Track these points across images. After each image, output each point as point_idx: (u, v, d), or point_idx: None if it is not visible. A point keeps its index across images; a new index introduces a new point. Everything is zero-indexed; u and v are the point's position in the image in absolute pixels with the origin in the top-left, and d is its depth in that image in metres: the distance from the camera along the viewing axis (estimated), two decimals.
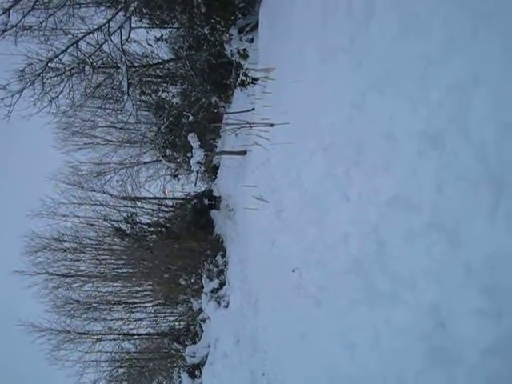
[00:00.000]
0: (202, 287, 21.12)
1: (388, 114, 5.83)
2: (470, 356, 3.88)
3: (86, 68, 17.31)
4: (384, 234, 5.59)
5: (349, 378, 6.06)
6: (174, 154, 21.78)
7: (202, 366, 19.93)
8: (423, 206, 4.80)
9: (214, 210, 22.29)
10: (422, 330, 4.51)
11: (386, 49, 6.14)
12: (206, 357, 19.65)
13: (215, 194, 22.87)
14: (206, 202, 22.58)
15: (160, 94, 23.84)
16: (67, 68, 17.44)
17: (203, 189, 24.82)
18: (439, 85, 4.76)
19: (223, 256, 20.60)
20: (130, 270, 24.79)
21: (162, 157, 22.12)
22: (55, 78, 17.59)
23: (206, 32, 18.01)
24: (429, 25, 5.11)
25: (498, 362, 3.60)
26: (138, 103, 21.37)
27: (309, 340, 8.02)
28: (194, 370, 20.80)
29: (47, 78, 17.25)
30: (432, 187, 4.67)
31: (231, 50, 18.07)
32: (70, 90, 18.16)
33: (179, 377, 23.50)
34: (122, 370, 28.21)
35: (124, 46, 17.68)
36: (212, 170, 23.28)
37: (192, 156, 18.38)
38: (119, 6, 16.83)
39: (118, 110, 23.30)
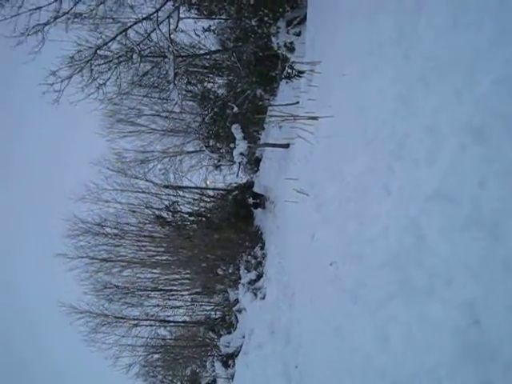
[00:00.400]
0: (240, 278, 21.21)
1: (433, 106, 5.76)
2: (504, 353, 3.81)
3: (134, 56, 17.55)
4: (423, 228, 5.52)
5: (381, 373, 6.00)
6: (218, 144, 21.91)
7: (236, 356, 20.03)
8: (464, 201, 4.73)
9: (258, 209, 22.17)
10: (456, 325, 4.44)
11: (435, 41, 6.07)
12: (240, 347, 19.74)
13: (259, 191, 22.40)
14: (251, 200, 22.20)
15: (206, 84, 24.01)
16: (115, 56, 17.74)
17: (245, 180, 24.85)
18: (486, 78, 4.68)
19: (262, 248, 20.64)
20: (169, 258, 25.00)
21: (206, 147, 22.27)
22: (103, 66, 17.92)
23: (254, 24, 18.05)
24: (479, 18, 5.04)
25: None
26: (184, 93, 21.57)
27: (343, 334, 7.97)
28: (228, 360, 20.94)
29: (95, 65, 17.58)
30: (474, 182, 4.59)
31: (278, 43, 18.05)
32: (118, 78, 18.48)
33: (213, 365, 23.70)
34: (156, 356, 28.60)
35: (172, 36, 17.88)
36: (254, 162, 23.29)
37: (235, 147, 18.47)
38: None
39: (163, 99, 23.54)
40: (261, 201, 21.80)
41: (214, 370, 23.27)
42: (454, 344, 4.41)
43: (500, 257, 4.07)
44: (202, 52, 22.85)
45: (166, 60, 18.59)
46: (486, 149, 4.52)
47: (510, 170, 4.13)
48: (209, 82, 24.61)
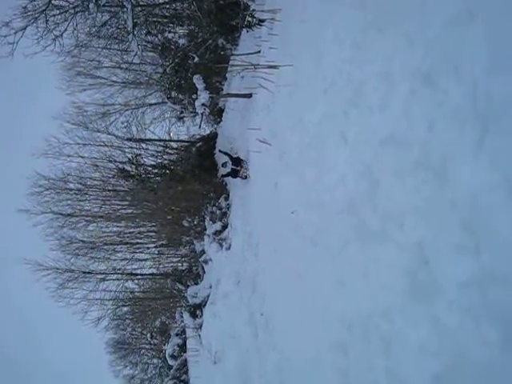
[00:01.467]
0: (205, 229, 21.27)
1: (386, 53, 5.80)
2: (448, 290, 3.97)
3: (91, 6, 17.03)
4: (377, 173, 5.64)
5: (340, 317, 6.18)
6: (180, 95, 21.56)
7: (204, 306, 20.24)
8: (414, 145, 4.84)
9: (238, 178, 18.38)
10: (407, 266, 4.59)
11: None
12: (208, 297, 19.95)
13: (232, 153, 18.84)
14: (228, 167, 17.93)
15: (166, 34, 23.44)
16: (71, 5, 17.22)
17: (208, 131, 24.67)
18: (436, 21, 4.71)
19: (226, 198, 20.64)
20: (134, 211, 24.88)
21: (168, 98, 21.91)
22: (59, 16, 17.36)
23: None
24: None
25: (473, 294, 3.68)
26: (144, 44, 21.06)
27: (304, 280, 8.15)
28: (196, 310, 21.14)
29: (51, 16, 17.02)
30: (423, 126, 4.69)
31: None
32: (75, 29, 17.96)
33: (181, 316, 23.96)
34: (125, 309, 28.89)
35: None
36: (217, 113, 23.05)
37: (197, 98, 18.25)
38: None
39: (123, 50, 23.00)
40: (241, 168, 17.23)
41: (182, 321, 23.54)
42: (404, 284, 4.57)
43: (447, 199, 4.19)
44: (161, 1, 22.32)
45: (125, 10, 18.09)
46: (435, 92, 4.59)
47: (456, 114, 4.21)
48: (169, 32, 24.01)
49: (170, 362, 24.50)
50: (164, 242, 26.16)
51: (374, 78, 6.11)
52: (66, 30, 17.66)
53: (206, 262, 21.57)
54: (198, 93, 18.08)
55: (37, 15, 16.48)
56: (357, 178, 6.21)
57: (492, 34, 3.90)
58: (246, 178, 17.04)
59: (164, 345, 28.02)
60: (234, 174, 17.53)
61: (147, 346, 32.06)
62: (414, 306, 4.38)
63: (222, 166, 18.30)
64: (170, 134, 25.11)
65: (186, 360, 22.18)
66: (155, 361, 32.11)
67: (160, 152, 25.07)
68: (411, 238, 4.61)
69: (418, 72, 4.93)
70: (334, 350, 6.19)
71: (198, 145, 24.10)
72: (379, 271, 5.14)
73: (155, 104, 25.05)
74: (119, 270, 26.46)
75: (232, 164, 17.44)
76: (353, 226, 6.02)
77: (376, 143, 5.71)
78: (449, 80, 4.38)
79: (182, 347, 23.17)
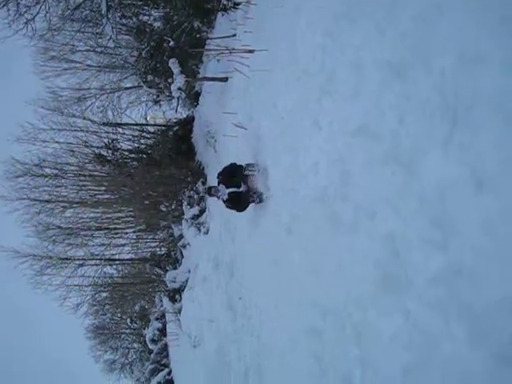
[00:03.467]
0: (183, 214, 21.29)
1: (358, 43, 5.82)
2: (418, 284, 4.04)
3: None
4: (348, 163, 5.68)
5: (314, 303, 6.25)
6: (156, 79, 21.39)
7: (182, 290, 20.36)
8: (385, 136, 4.87)
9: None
10: (378, 257, 4.65)
11: None
12: (186, 282, 20.05)
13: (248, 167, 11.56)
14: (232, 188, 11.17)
15: (141, 17, 23.17)
16: None
17: (185, 115, 24.55)
18: (406, 14, 4.74)
19: (204, 183, 20.65)
20: (111, 197, 24.80)
21: (143, 82, 21.73)
22: None
23: None
24: None
25: (441, 289, 3.75)
26: (118, 27, 20.78)
27: (280, 266, 8.21)
28: (175, 295, 21.28)
29: None
30: (394, 118, 4.72)
31: None
32: (47, 12, 17.72)
33: (160, 301, 24.08)
34: (104, 295, 28.92)
35: None
36: (194, 97, 22.92)
37: (173, 82, 18.14)
38: None
39: (97, 33, 22.65)
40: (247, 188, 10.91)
41: (162, 305, 23.65)
42: (376, 275, 4.63)
43: (416, 191, 4.24)
44: None
45: None
46: (405, 85, 4.62)
47: (426, 107, 4.25)
48: (144, 14, 23.72)
49: (151, 346, 24.63)
50: (142, 227, 26.15)
51: (345, 66, 6.13)
52: (38, 13, 17.47)
53: (184, 246, 21.63)
54: (174, 76, 17.95)
55: None
56: (329, 166, 6.25)
57: (460, 28, 3.93)
58: (260, 201, 10.36)
59: (144, 329, 28.13)
60: (236, 201, 10.80)
61: (127, 331, 32.19)
62: (386, 297, 4.44)
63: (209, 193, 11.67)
64: (146, 119, 24.90)
65: (166, 344, 22.33)
66: (136, 345, 32.28)
67: (137, 136, 24.96)
68: (383, 230, 4.67)
69: (388, 63, 4.96)
70: (308, 335, 6.27)
71: (175, 129, 24.03)
72: (352, 261, 5.20)
73: (131, 88, 24.78)
74: (97, 255, 26.47)
75: (229, 184, 10.70)
76: (326, 214, 6.07)
77: (348, 132, 5.75)
78: (418, 73, 4.41)
79: (162, 331, 23.31)
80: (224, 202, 10.93)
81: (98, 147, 23.86)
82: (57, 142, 23.81)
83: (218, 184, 10.97)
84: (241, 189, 10.72)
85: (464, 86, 3.80)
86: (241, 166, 11.02)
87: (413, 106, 4.45)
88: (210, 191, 11.45)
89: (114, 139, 24.01)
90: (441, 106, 4.03)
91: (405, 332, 4.11)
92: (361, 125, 5.46)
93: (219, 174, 11.16)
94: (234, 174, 10.85)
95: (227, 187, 10.72)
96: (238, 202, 10.86)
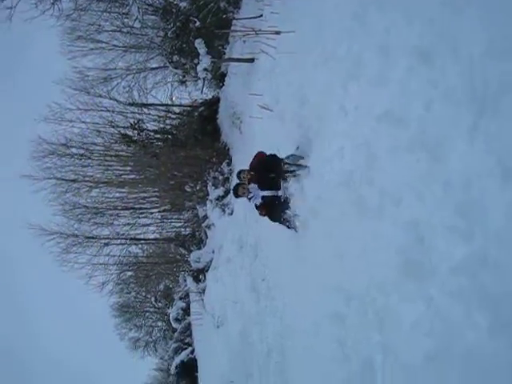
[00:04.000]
0: (208, 194, 21.36)
1: (385, 27, 5.77)
2: (441, 272, 4.03)
3: None
4: (374, 148, 5.66)
5: (338, 288, 6.27)
6: (181, 60, 21.36)
7: (206, 270, 20.47)
8: (411, 122, 4.84)
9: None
10: (401, 243, 4.65)
11: None
12: (210, 262, 20.16)
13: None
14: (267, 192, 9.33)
15: None
16: None
17: (211, 96, 24.49)
18: (434, 0, 4.68)
19: (229, 164, 20.66)
20: (137, 177, 24.97)
21: (169, 63, 21.71)
22: None
23: None
24: None
25: (464, 278, 3.74)
26: (145, 7, 20.76)
27: (305, 250, 8.23)
28: (199, 275, 21.43)
29: None
30: (420, 104, 4.69)
31: None
32: None
33: (184, 281, 24.27)
34: (129, 273, 29.18)
35: None
36: (219, 77, 22.86)
37: (199, 63, 18.10)
38: None
39: (123, 13, 22.64)
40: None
41: (185, 285, 23.82)
42: (399, 261, 4.63)
43: (441, 179, 4.22)
44: None
45: None
46: (432, 71, 4.58)
47: (453, 95, 4.21)
48: None
49: (174, 325, 24.88)
50: (167, 208, 26.29)
51: (372, 51, 6.08)
52: None
53: (208, 227, 21.71)
54: (200, 57, 17.92)
55: None
56: (355, 151, 6.23)
57: (490, 18, 3.87)
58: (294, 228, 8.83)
59: (168, 308, 28.43)
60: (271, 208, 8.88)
61: (151, 310, 32.56)
62: (409, 283, 4.45)
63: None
64: (172, 99, 24.88)
65: (189, 323, 22.50)
66: (159, 324, 32.68)
67: (162, 117, 24.98)
68: (407, 216, 4.66)
69: (415, 49, 4.92)
70: (332, 320, 6.30)
71: (201, 110, 23.98)
72: (376, 246, 5.20)
73: (157, 68, 24.73)
74: (123, 234, 26.66)
75: (264, 184, 8.69)
76: (351, 199, 6.06)
77: (374, 118, 5.72)
78: (446, 60, 4.37)
79: (186, 311, 23.49)
80: (256, 207, 9.02)
81: (123, 127, 23.96)
82: (83, 122, 23.98)
83: (240, 178, 9.28)
84: (279, 193, 8.78)
85: (493, 75, 3.77)
86: (280, 159, 8.97)
87: (440, 92, 4.41)
88: (237, 192, 9.25)
89: (139, 119, 24.08)
90: (468, 93, 4.00)
91: (426, 319, 4.12)
92: (387, 110, 5.43)
93: (252, 168, 9.01)
94: (271, 169, 8.77)
95: (261, 187, 8.69)
96: (273, 210, 8.91)
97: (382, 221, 5.14)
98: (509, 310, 3.31)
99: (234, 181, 15.39)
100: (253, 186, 8.70)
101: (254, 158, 9.20)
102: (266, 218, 9.23)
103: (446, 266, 3.98)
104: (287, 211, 8.75)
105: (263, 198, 8.67)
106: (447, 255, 3.97)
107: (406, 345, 4.34)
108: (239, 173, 9.40)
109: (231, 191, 10.24)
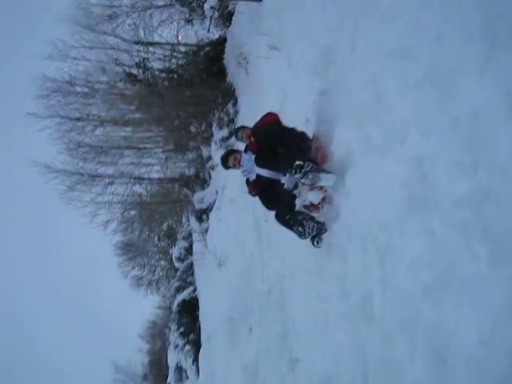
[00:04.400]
0: (212, 135, 21.29)
1: None
2: (443, 204, 4.03)
3: None
4: (382, 84, 5.58)
5: (341, 225, 6.28)
6: None
7: (210, 211, 20.57)
8: (421, 57, 4.76)
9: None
10: (405, 180, 4.64)
11: None
12: (214, 203, 20.24)
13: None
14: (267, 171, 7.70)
15: None
16: None
17: (217, 36, 24.13)
18: None
19: (234, 105, 20.50)
20: (141, 116, 24.91)
21: (176, 1, 21.33)
22: None
23: None
24: None
25: (467, 211, 3.74)
26: None
27: None
28: (202, 215, 21.53)
29: None
30: (432, 38, 4.60)
31: None
32: None
33: (188, 220, 24.41)
34: (133, 213, 29.35)
35: None
36: (226, 16, 22.45)
37: (206, 0, 17.79)
38: None
39: None
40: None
41: (189, 225, 23.99)
42: (403, 197, 4.63)
43: (449, 114, 4.18)
44: None
45: None
46: (445, 3, 4.49)
47: (464, 26, 4.12)
48: None
49: (177, 264, 25.16)
50: (171, 148, 26.27)
51: None
52: None
53: (212, 167, 21.73)
54: None
55: None
56: (361, 89, 6.15)
57: None
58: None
59: (171, 248, 28.69)
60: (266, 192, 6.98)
61: (154, 249, 32.88)
62: (411, 218, 4.45)
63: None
64: (178, 38, 24.54)
65: (191, 263, 22.73)
66: (162, 263, 33.05)
67: (168, 56, 24.68)
68: (412, 152, 4.63)
69: None
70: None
71: (207, 49, 23.69)
72: (380, 183, 5.18)
73: (163, 6, 24.26)
74: (127, 174, 26.73)
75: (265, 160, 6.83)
76: (356, 136, 6.02)
77: (383, 54, 5.63)
78: None
79: (188, 250, 23.70)
80: (247, 182, 7.29)
81: (128, 66, 23.71)
82: (88, 60, 23.76)
83: (238, 137, 7.74)
84: (283, 181, 6.76)
85: (508, 7, 3.67)
86: (308, 138, 7.17)
87: (452, 25, 4.33)
88: (227, 162, 7.53)
89: (144, 58, 23.81)
90: (481, 25, 3.91)
91: (427, 253, 4.13)
92: (397, 45, 5.33)
93: (255, 132, 7.24)
94: (283, 143, 6.70)
95: (259, 163, 6.83)
96: (269, 195, 6.95)
97: (386, 158, 5.11)
98: (510, 242, 3.32)
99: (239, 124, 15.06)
100: (247, 158, 7.06)
101: (262, 118, 7.45)
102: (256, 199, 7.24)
103: (449, 199, 3.98)
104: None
105: (258, 176, 6.92)
106: (451, 189, 3.96)
107: (405, 278, 4.37)
108: (238, 130, 7.91)
109: (220, 160, 7.84)
